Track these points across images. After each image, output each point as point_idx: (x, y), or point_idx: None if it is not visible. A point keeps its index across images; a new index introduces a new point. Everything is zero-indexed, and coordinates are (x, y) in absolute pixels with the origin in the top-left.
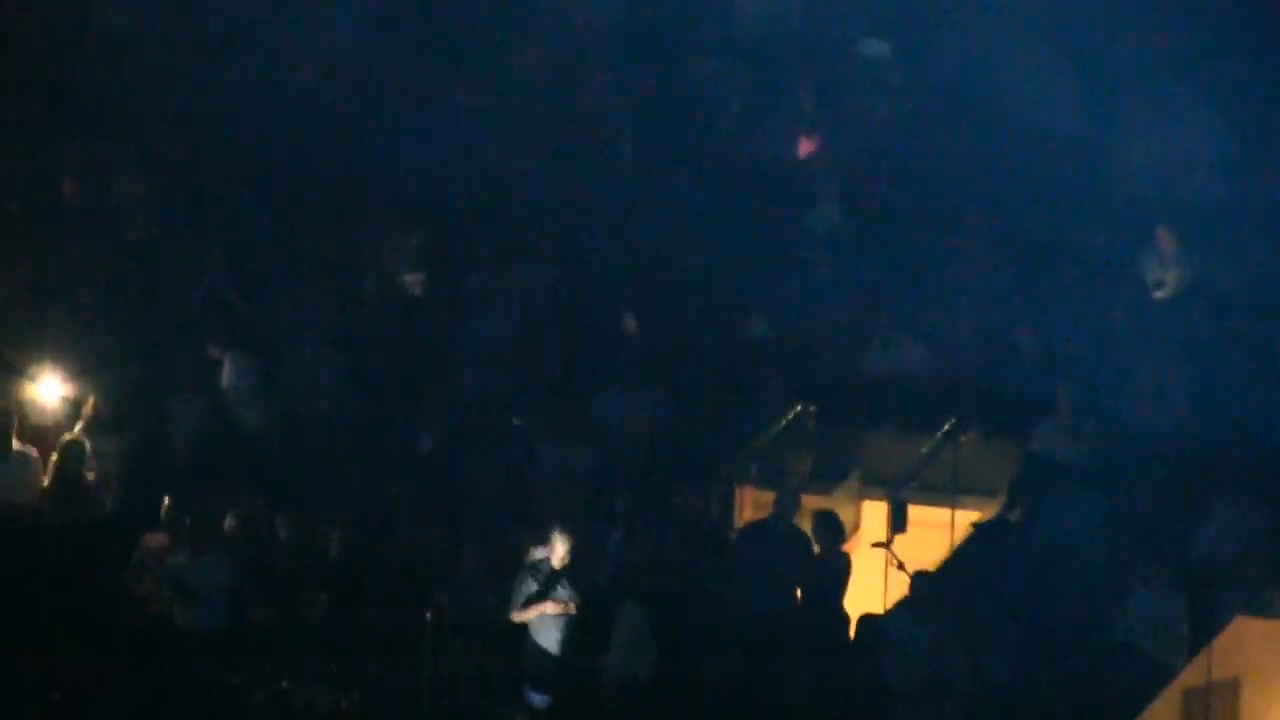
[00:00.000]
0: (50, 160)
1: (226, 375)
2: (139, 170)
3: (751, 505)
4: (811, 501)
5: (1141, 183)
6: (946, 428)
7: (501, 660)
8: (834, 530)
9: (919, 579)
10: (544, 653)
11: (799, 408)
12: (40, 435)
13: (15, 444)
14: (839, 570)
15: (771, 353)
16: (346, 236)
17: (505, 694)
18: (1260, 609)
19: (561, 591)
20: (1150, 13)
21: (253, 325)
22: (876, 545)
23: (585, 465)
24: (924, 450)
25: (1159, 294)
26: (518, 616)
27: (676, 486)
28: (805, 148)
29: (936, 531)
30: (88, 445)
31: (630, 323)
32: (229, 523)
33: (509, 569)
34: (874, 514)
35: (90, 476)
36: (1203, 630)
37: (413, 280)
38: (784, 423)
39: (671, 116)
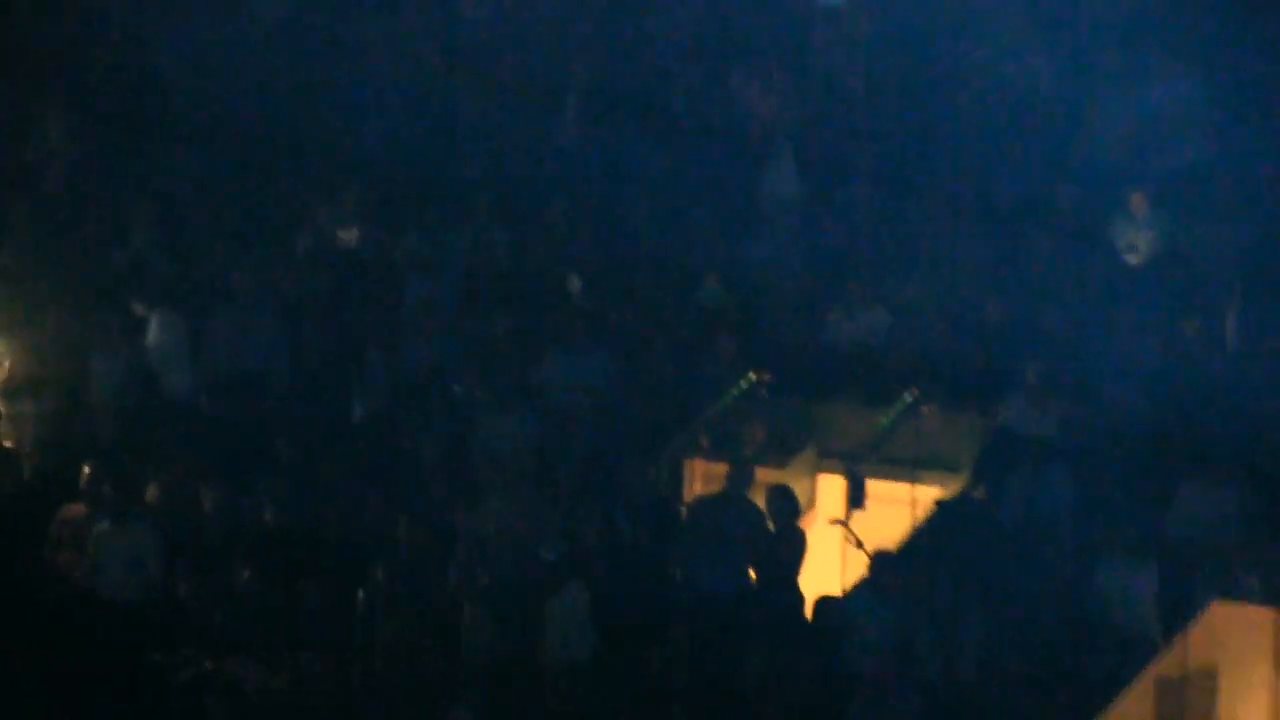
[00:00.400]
0: None
1: (152, 335)
2: (60, 121)
3: (702, 478)
4: (765, 475)
5: (1116, 144)
6: (908, 399)
7: (439, 639)
8: (789, 506)
9: (879, 558)
10: (481, 632)
11: (753, 376)
12: None
13: None
14: (795, 548)
15: (724, 318)
16: (281, 192)
17: (442, 674)
18: (1238, 595)
19: (503, 567)
20: None
21: (180, 283)
22: (834, 522)
23: (528, 435)
24: (884, 422)
25: (1131, 259)
26: (458, 594)
27: (623, 458)
28: (762, 104)
29: (897, 508)
30: (2, 409)
31: (575, 286)
32: (152, 492)
33: (448, 543)
34: (831, 489)
35: (5, 444)
36: (1178, 616)
37: (349, 238)
38: (737, 392)
39: (623, 69)
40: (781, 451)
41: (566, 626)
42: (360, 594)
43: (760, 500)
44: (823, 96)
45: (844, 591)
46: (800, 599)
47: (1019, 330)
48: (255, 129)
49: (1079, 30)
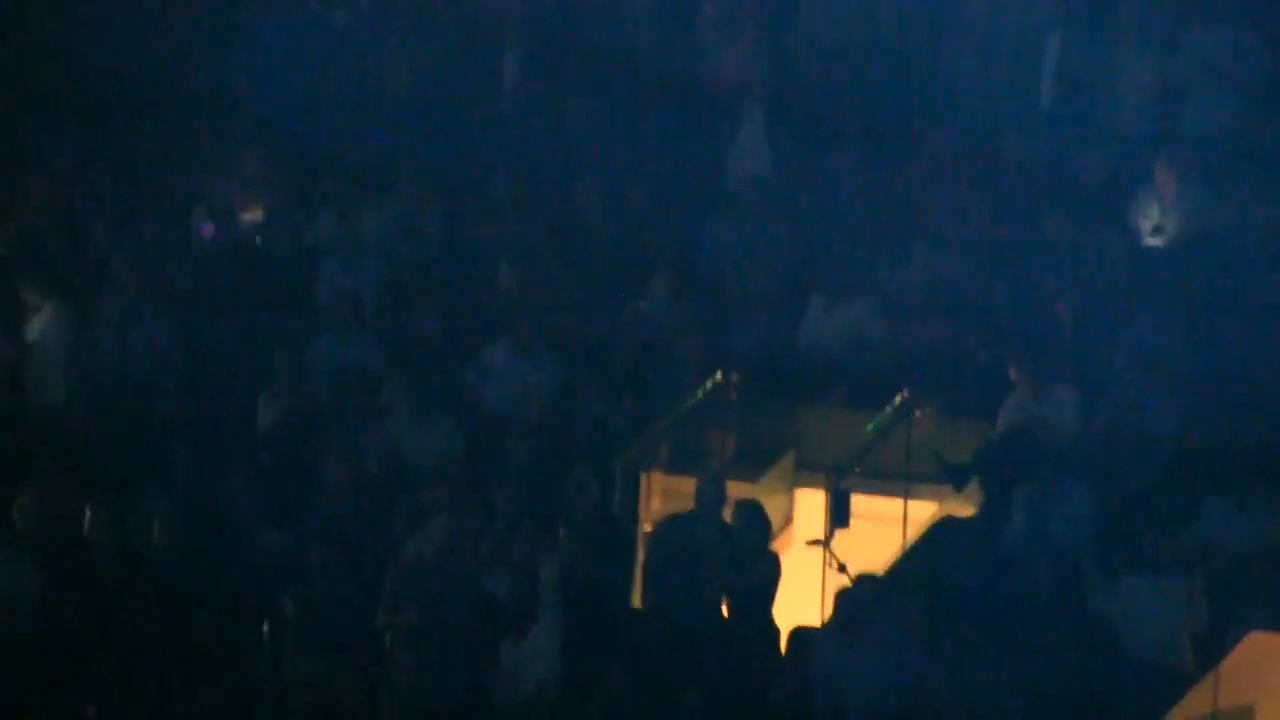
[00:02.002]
0: None
1: (37, 330)
2: None
3: (660, 494)
4: (734, 490)
5: (1140, 106)
6: (898, 403)
7: (352, 676)
8: (760, 525)
9: (863, 583)
10: (408, 669)
11: (719, 378)
12: None
13: None
14: (767, 573)
15: (687, 312)
16: (174, 165)
17: (356, 712)
18: (1277, 623)
19: (429, 598)
20: None
21: (61, 269)
22: (813, 543)
23: (459, 447)
24: (871, 429)
25: (1155, 241)
26: (381, 623)
27: (571, 472)
28: (730, 60)
29: (886, 527)
30: None
31: (515, 276)
32: (26, 514)
33: (366, 571)
34: (810, 505)
35: None
36: (1210, 646)
37: (255, 219)
38: (701, 396)
39: (569, 25)
40: (753, 463)
41: (514, 669)
42: (265, 628)
43: (729, 518)
44: (801, 52)
45: (824, 623)
46: (774, 631)
47: (1029, 323)
48: (156, 95)
49: None
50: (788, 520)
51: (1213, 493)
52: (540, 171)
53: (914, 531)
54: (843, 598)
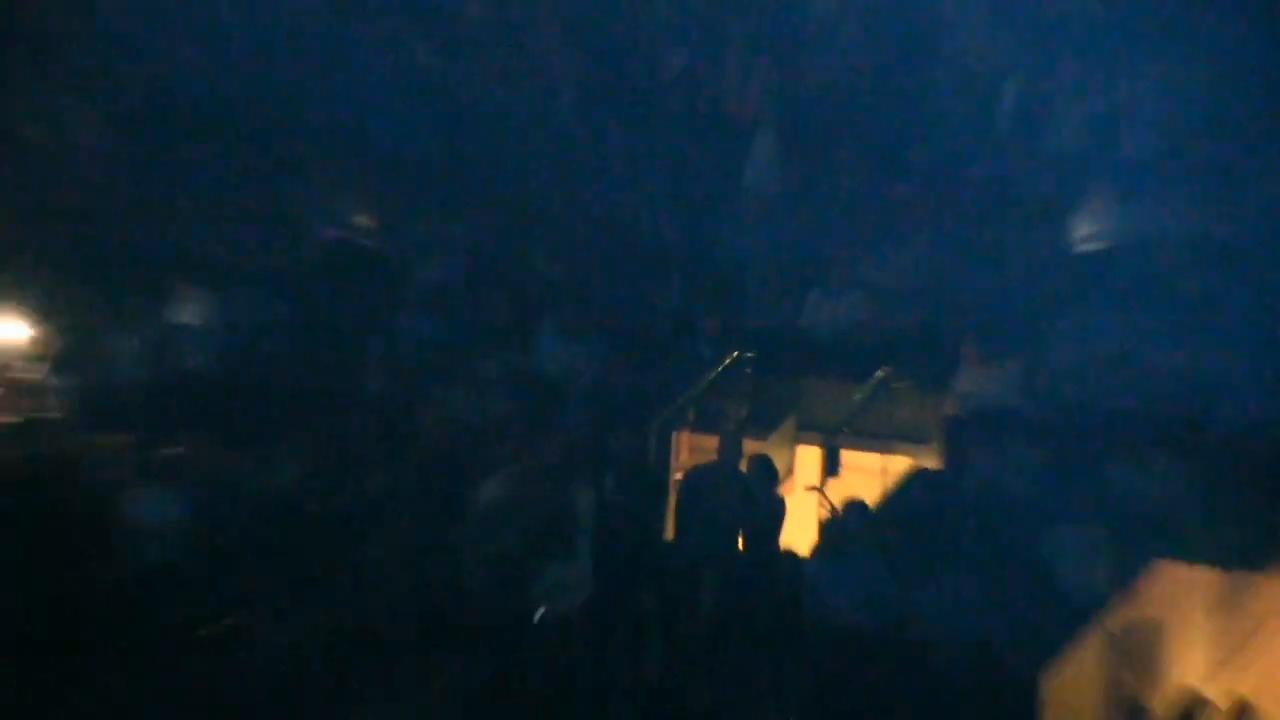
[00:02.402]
0: None
1: (176, 313)
2: (86, 113)
3: (688, 450)
4: (748, 446)
5: (1080, 135)
6: (880, 377)
7: (441, 596)
8: (769, 474)
9: (851, 512)
10: (482, 580)
11: (735, 356)
12: None
13: None
14: (774, 513)
15: (708, 302)
16: (295, 182)
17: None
18: (1181, 555)
19: (504, 529)
20: None
21: (203, 265)
22: (810, 489)
23: (529, 410)
24: (857, 398)
25: (1090, 246)
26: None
27: (615, 432)
28: (747, 97)
29: (868, 477)
30: (52, 382)
31: (570, 271)
32: (173, 459)
33: (451, 509)
34: (808, 459)
35: (51, 415)
36: (1127, 575)
37: (365, 222)
38: (721, 371)
39: (617, 67)
40: (763, 425)
41: (562, 585)
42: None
43: (743, 469)
44: (805, 88)
45: (817, 551)
46: (778, 558)
47: (985, 311)
48: (276, 119)
49: (1051, 21)
50: (790, 470)
51: (1133, 449)
52: (585, 184)
53: (890, 480)
54: (831, 531)
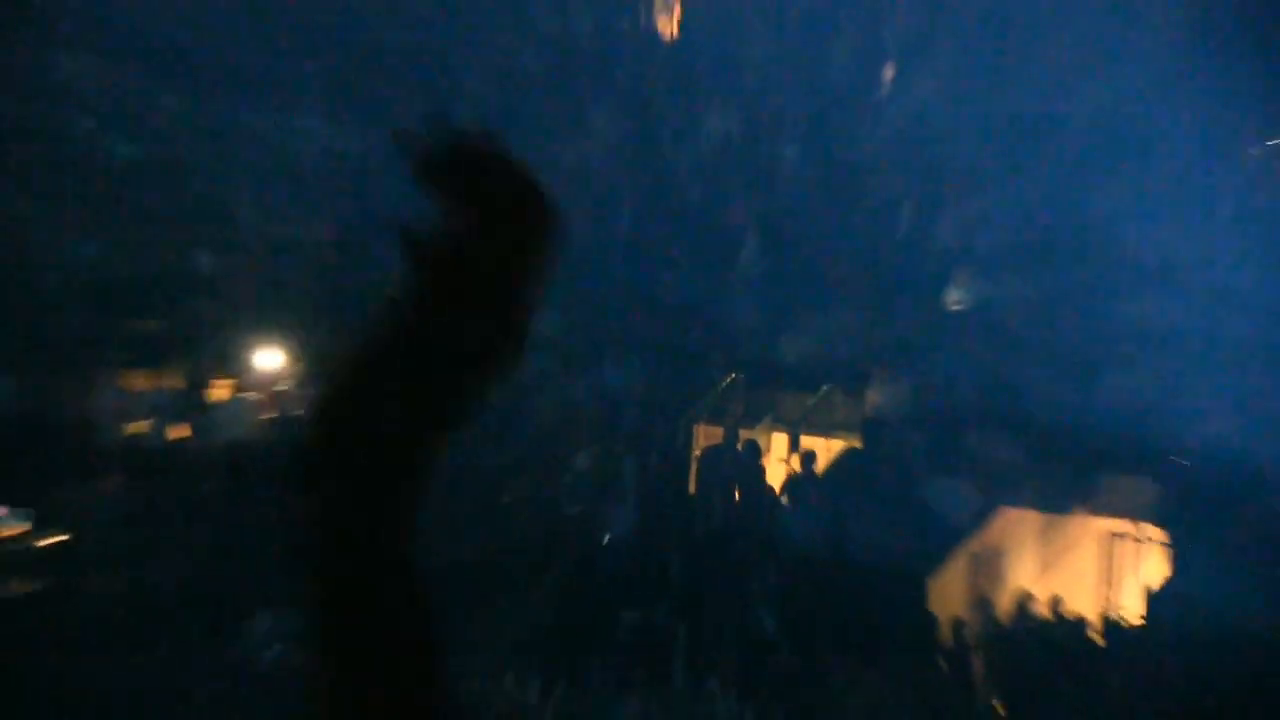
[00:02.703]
0: None
1: None
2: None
3: (704, 436)
4: (743, 434)
5: (952, 233)
6: (824, 390)
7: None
8: (757, 453)
9: (807, 483)
10: (572, 518)
11: (733, 374)
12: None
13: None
14: (760, 478)
15: (716, 338)
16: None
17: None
18: (1019, 501)
19: (583, 484)
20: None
21: None
22: (781, 461)
23: (603, 412)
24: (811, 403)
25: (955, 305)
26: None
27: (653, 425)
28: (737, 207)
29: (821, 454)
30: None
31: (620, 321)
32: None
33: (548, 472)
34: (780, 443)
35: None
36: (985, 519)
37: None
38: (724, 384)
39: (662, 190)
40: (751, 420)
41: (621, 520)
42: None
43: (740, 449)
44: (775, 201)
45: (786, 497)
46: (762, 505)
47: (896, 346)
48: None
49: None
50: (769, 450)
51: (987, 430)
52: (636, 269)
53: (832, 455)
54: (794, 485)
